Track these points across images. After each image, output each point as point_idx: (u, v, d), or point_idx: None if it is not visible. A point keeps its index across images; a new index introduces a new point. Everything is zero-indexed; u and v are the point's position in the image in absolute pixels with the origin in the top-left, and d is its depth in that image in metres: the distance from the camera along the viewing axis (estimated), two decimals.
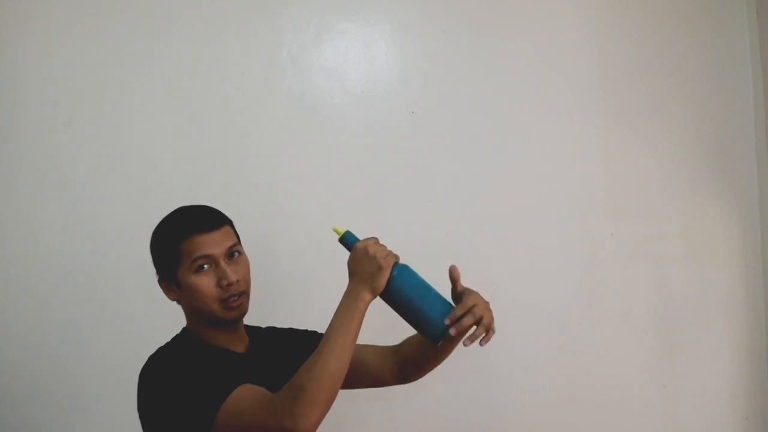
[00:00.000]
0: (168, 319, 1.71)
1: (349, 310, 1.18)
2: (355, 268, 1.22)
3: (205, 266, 1.28)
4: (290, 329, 1.49)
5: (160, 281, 1.34)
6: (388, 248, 1.24)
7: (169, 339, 1.35)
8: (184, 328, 1.36)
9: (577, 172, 2.16)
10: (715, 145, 2.27)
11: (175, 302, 1.35)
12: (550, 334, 2.11)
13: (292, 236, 1.99)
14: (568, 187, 2.15)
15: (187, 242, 1.28)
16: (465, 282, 2.05)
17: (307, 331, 1.48)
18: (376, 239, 1.24)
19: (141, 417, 1.27)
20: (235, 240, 1.34)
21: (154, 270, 1.87)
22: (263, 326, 1.48)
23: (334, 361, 1.13)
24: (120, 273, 1.89)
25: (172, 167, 1.94)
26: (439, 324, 1.24)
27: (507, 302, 2.06)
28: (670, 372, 2.18)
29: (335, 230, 1.28)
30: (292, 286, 1.98)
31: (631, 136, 2.21)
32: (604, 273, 2.15)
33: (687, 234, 2.23)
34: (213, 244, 1.28)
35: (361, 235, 1.28)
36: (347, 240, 1.27)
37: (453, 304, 1.28)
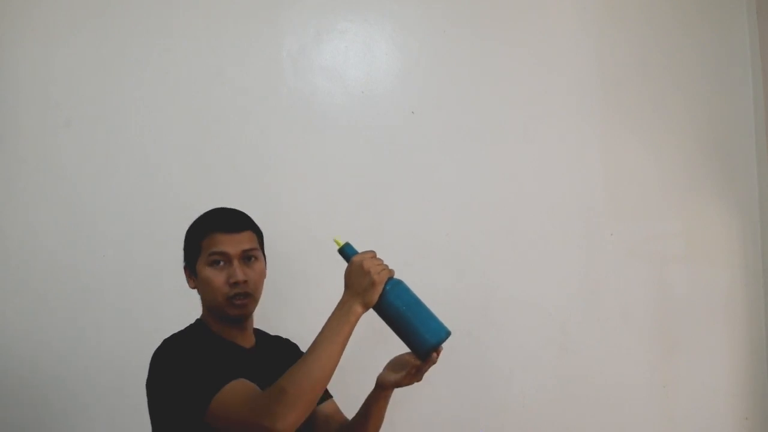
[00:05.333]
0: (168, 319, 1.71)
1: (339, 321, 1.22)
2: (349, 281, 1.26)
3: (220, 262, 1.38)
4: (296, 346, 1.55)
5: (184, 269, 1.46)
6: (384, 262, 1.28)
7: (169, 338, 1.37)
8: (198, 318, 1.44)
9: (577, 172, 2.16)
10: (715, 145, 2.27)
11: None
12: (550, 334, 2.11)
13: (291, 236, 1.98)
14: (568, 187, 2.15)
15: (208, 238, 1.39)
16: (465, 282, 2.06)
17: None
18: (373, 253, 1.28)
19: (147, 396, 1.34)
20: (255, 246, 1.42)
21: (153, 270, 1.90)
22: (271, 333, 1.55)
23: (317, 368, 1.18)
24: (120, 273, 1.89)
25: (172, 167, 1.95)
26: (426, 340, 1.28)
27: (507, 302, 2.07)
28: (669, 372, 2.18)
29: (335, 241, 1.33)
30: (292, 286, 1.98)
31: (631, 136, 2.20)
32: (604, 273, 2.15)
33: (687, 234, 2.23)
34: (230, 243, 1.38)
35: (360, 243, 1.30)
36: (345, 252, 1.32)
37: (443, 323, 1.31)
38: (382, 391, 1.41)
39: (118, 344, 1.86)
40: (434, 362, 1.33)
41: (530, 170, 2.13)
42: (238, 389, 1.21)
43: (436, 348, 1.30)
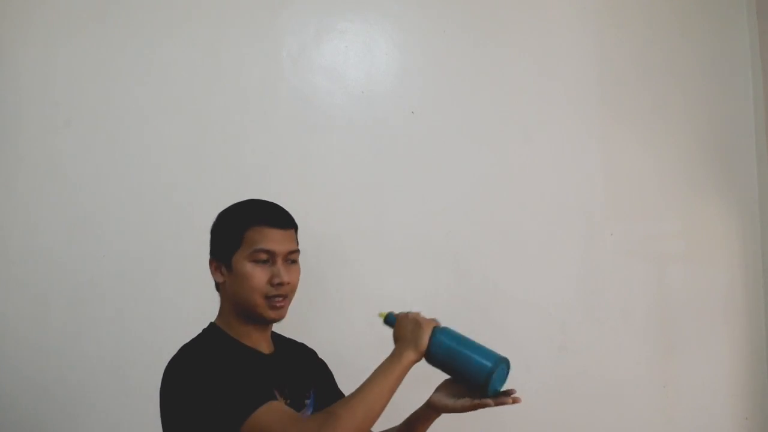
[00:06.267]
0: (168, 319, 1.71)
1: (391, 363, 1.22)
2: (398, 334, 1.27)
3: (264, 259, 1.29)
4: (314, 352, 1.52)
5: (210, 260, 1.34)
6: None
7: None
8: (211, 323, 1.35)
9: (577, 172, 2.16)
10: (715, 145, 2.27)
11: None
12: (550, 333, 2.11)
13: None
14: (568, 188, 2.15)
15: (255, 230, 1.29)
16: (465, 282, 2.05)
17: (324, 362, 1.51)
18: (417, 312, 1.30)
19: (163, 412, 1.26)
20: (297, 247, 1.35)
21: (153, 270, 1.89)
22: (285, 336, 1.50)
23: (372, 399, 1.17)
24: (120, 273, 1.89)
25: (172, 167, 1.94)
26: (483, 366, 1.28)
27: (507, 302, 2.07)
28: (669, 371, 2.18)
29: (380, 315, 1.32)
30: None
31: (631, 136, 2.21)
32: (604, 273, 2.15)
33: (687, 234, 2.24)
34: (278, 241, 1.30)
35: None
36: (390, 319, 1.31)
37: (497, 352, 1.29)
38: (434, 412, 1.39)
39: (118, 344, 1.86)
40: (503, 404, 1.31)
41: (530, 170, 2.13)
42: (278, 409, 1.17)
43: (492, 373, 1.28)
